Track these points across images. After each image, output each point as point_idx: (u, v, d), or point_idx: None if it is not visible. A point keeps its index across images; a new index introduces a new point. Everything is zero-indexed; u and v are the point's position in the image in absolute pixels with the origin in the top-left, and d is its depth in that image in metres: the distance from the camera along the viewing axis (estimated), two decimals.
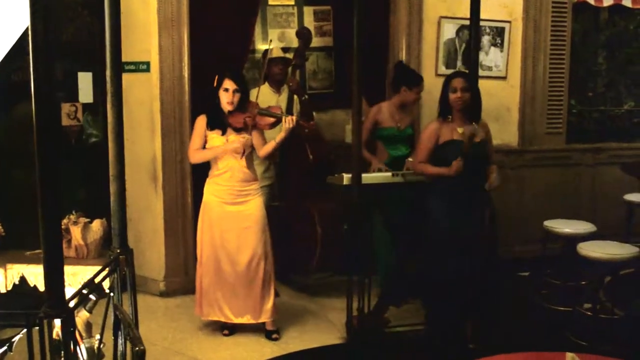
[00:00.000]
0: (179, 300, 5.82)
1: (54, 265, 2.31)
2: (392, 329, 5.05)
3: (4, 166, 5.70)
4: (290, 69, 6.04)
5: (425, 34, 6.54)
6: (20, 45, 3.36)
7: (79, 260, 3.84)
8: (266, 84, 5.97)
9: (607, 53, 7.62)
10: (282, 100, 6.01)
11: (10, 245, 4.06)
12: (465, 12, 5.57)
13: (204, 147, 4.88)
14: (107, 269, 3.11)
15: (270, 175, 5.98)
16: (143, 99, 5.78)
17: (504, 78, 6.89)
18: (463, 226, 4.64)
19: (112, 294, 3.15)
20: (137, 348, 2.34)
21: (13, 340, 2.67)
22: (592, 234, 5.51)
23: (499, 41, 6.81)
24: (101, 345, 3.34)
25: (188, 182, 5.86)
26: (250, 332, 5.08)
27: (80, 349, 3.23)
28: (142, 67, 5.77)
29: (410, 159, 5.33)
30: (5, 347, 2.67)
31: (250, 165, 4.90)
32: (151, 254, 5.89)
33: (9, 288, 3.75)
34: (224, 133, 4.83)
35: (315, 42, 6.96)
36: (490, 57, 6.81)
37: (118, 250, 3.23)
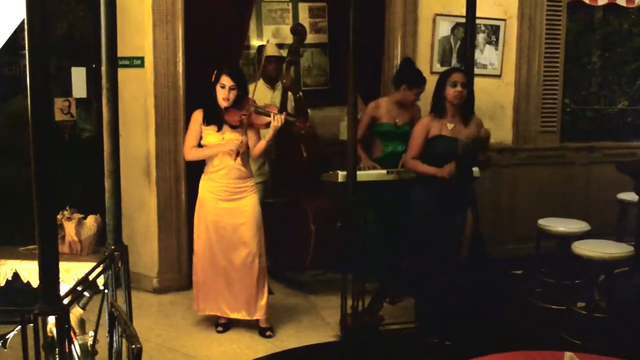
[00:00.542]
0: (173, 296, 5.81)
1: (49, 261, 2.29)
2: (386, 327, 5.04)
3: None
4: (284, 65, 6.03)
5: (420, 32, 6.53)
6: (12, 40, 3.32)
7: (73, 256, 3.81)
8: (261, 80, 5.96)
9: (602, 52, 7.64)
10: (276, 96, 6.01)
11: (3, 241, 4.03)
12: (461, 9, 5.56)
13: (199, 143, 4.86)
14: (102, 265, 3.09)
15: (264, 172, 5.97)
16: (137, 95, 5.75)
17: (498, 76, 6.90)
18: (447, 223, 4.66)
19: (106, 291, 3.13)
20: (133, 346, 2.32)
21: (7, 337, 2.65)
22: (586, 232, 5.53)
23: (494, 39, 6.81)
24: (95, 342, 3.31)
25: (182, 178, 5.84)
26: (244, 329, 5.07)
27: (74, 346, 3.21)
28: (136, 62, 5.74)
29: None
30: None
31: (245, 162, 4.88)
32: (144, 250, 5.87)
33: (2, 284, 3.72)
34: (219, 129, 4.81)
35: (310, 38, 6.95)
36: (485, 55, 6.81)
37: (113, 247, 3.21)
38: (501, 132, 6.96)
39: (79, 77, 6.01)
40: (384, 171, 5.20)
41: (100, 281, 3.15)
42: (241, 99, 4.81)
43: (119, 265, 3.22)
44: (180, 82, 5.75)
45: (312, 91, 6.92)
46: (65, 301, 2.49)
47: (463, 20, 5.38)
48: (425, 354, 4.76)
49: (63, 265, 3.51)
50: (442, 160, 4.62)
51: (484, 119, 6.61)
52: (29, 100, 2.20)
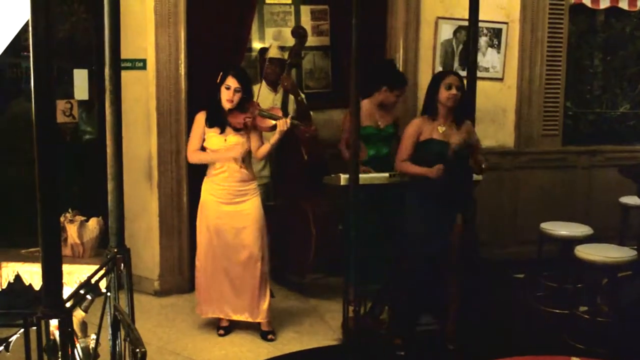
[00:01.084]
0: (174, 299, 5.80)
1: (52, 265, 2.28)
2: (388, 331, 5.02)
3: None
4: (285, 68, 6.01)
5: (422, 35, 6.53)
6: (14, 42, 3.31)
7: (75, 259, 3.81)
8: (263, 82, 5.95)
9: (604, 55, 7.62)
10: (277, 99, 5.99)
11: (5, 243, 4.03)
12: (463, 13, 5.57)
13: (202, 146, 4.85)
14: (104, 268, 3.08)
15: (266, 174, 5.95)
16: (139, 97, 5.74)
17: (500, 79, 6.89)
18: (437, 227, 4.64)
19: (109, 294, 3.12)
20: (137, 350, 2.31)
21: (10, 340, 2.64)
22: (589, 236, 5.51)
23: (496, 42, 6.80)
24: (97, 345, 3.30)
25: (183, 180, 5.83)
26: (246, 333, 5.06)
27: (76, 349, 3.20)
28: (138, 64, 5.73)
29: None
30: (1, 347, 2.64)
31: (248, 165, 4.87)
32: (146, 252, 5.85)
33: (4, 287, 3.71)
34: (222, 131, 4.80)
35: (312, 41, 6.94)
36: (487, 59, 6.80)
37: (115, 250, 3.20)
38: (503, 135, 6.95)
39: (81, 79, 6.01)
40: (386, 174, 5.18)
41: (103, 284, 3.14)
42: (245, 101, 4.80)
43: (122, 268, 3.21)
44: (183, 85, 5.74)
45: (315, 94, 6.90)
46: (68, 304, 2.48)
47: (465, 23, 5.38)
48: (426, 357, 4.75)
49: (65, 268, 3.50)
50: (433, 163, 4.57)
51: (485, 122, 6.66)
52: (33, 103, 2.19)
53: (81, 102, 6.03)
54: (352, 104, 4.69)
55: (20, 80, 5.87)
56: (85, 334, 3.60)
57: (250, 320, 4.97)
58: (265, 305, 4.94)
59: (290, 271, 6.09)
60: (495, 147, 6.85)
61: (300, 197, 5.85)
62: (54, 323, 2.33)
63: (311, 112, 5.99)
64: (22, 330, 2.56)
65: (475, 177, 4.99)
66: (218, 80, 4.78)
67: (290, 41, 6.14)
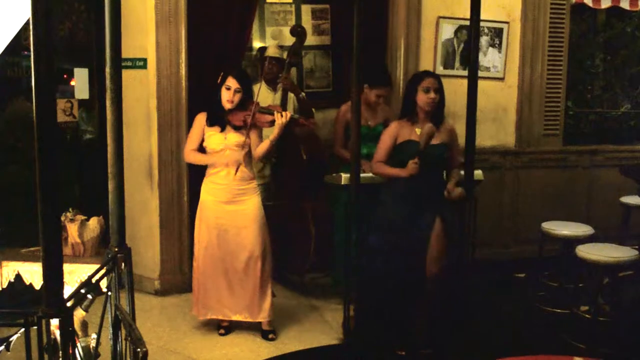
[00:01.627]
0: (175, 298, 5.79)
1: (53, 264, 2.27)
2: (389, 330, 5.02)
3: None
4: (285, 67, 6.01)
5: (423, 34, 6.53)
6: (14, 41, 3.31)
7: (76, 258, 3.80)
8: (262, 82, 5.95)
9: (605, 55, 7.63)
10: (277, 98, 5.99)
11: (5, 242, 4.02)
12: (464, 12, 5.56)
13: (201, 144, 4.86)
14: (105, 267, 3.07)
15: (265, 174, 5.95)
16: (139, 96, 5.73)
17: (501, 79, 6.88)
18: (412, 227, 4.59)
19: (109, 293, 3.11)
20: (139, 349, 2.31)
21: (10, 339, 2.63)
22: (590, 236, 5.51)
23: (497, 42, 6.79)
24: (98, 345, 3.29)
25: (184, 179, 5.82)
26: (247, 332, 5.05)
27: (77, 349, 3.20)
28: (138, 63, 5.72)
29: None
30: (2, 347, 2.63)
31: (247, 163, 4.86)
32: (146, 252, 5.85)
33: (4, 286, 3.70)
34: (222, 130, 4.80)
35: (313, 40, 6.93)
36: (488, 58, 6.80)
37: (116, 249, 3.19)
38: (504, 135, 6.95)
39: (81, 78, 6.00)
40: None
41: (104, 283, 3.13)
42: (245, 101, 4.80)
43: (122, 267, 3.20)
44: (183, 84, 5.74)
45: (315, 93, 6.89)
46: (69, 304, 2.48)
47: (466, 22, 5.38)
48: (426, 356, 4.74)
49: (66, 267, 3.50)
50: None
51: (486, 122, 6.66)
52: (34, 102, 2.18)
53: (82, 101, 6.02)
54: (353, 103, 4.69)
55: (21, 79, 5.87)
56: (85, 334, 3.60)
57: (249, 320, 4.96)
58: (267, 304, 4.93)
59: (290, 270, 6.08)
60: (496, 146, 6.85)
61: (300, 196, 5.84)
62: (54, 322, 2.33)
63: (313, 110, 5.99)
64: (22, 329, 2.55)
65: (476, 175, 4.98)
66: (219, 81, 4.78)
67: (291, 40, 6.14)
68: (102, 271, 2.99)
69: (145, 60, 5.69)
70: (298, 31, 6.02)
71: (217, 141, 4.79)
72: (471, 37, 5.11)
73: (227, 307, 4.94)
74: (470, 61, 5.11)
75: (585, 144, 7.40)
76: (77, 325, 3.49)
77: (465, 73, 5.21)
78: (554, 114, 7.14)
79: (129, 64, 5.70)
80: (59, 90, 5.91)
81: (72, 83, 5.98)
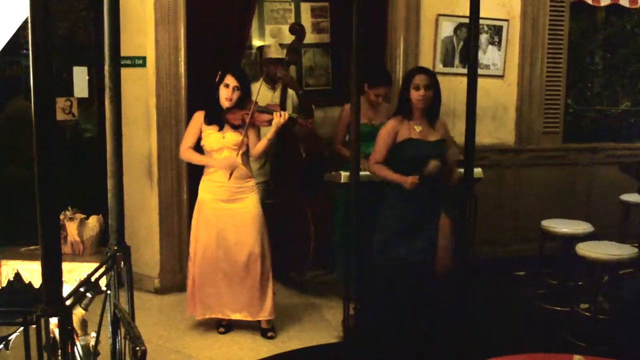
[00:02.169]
0: (174, 297, 5.79)
1: (52, 263, 2.27)
2: (389, 328, 5.01)
3: None
4: (284, 65, 6.01)
5: (423, 32, 6.52)
6: (13, 40, 3.30)
7: (75, 256, 3.80)
8: (261, 80, 5.94)
9: (604, 53, 7.62)
10: (276, 97, 5.99)
11: (4, 241, 4.02)
12: (464, 10, 5.55)
13: (199, 143, 4.85)
14: (104, 266, 3.07)
15: (265, 172, 5.95)
16: (139, 95, 5.73)
17: (501, 77, 6.88)
18: (418, 225, 4.63)
19: (109, 292, 3.11)
20: (137, 348, 2.30)
21: (9, 338, 2.63)
22: (589, 234, 5.50)
23: (497, 40, 6.79)
24: (97, 343, 3.29)
25: (184, 178, 5.82)
26: (246, 330, 5.05)
27: (76, 347, 3.19)
28: (138, 62, 5.72)
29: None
30: (1, 346, 2.63)
31: (245, 162, 4.85)
32: (146, 250, 5.85)
33: (4, 285, 3.70)
34: (221, 129, 4.79)
35: (312, 38, 6.93)
36: (488, 56, 6.79)
37: (115, 248, 3.19)
38: (504, 132, 6.94)
39: (80, 76, 6.00)
40: None
41: (103, 282, 3.13)
42: (243, 100, 4.79)
43: (122, 266, 3.20)
44: (182, 82, 5.73)
45: (315, 91, 6.89)
46: (68, 302, 2.47)
47: (466, 20, 5.36)
48: (427, 355, 4.74)
49: (65, 266, 3.51)
50: (412, 163, 4.55)
51: (486, 119, 6.66)
52: (32, 101, 2.18)
53: (81, 100, 6.02)
54: (353, 102, 4.68)
55: (20, 78, 5.86)
56: (85, 332, 3.60)
57: (249, 319, 4.96)
58: (267, 303, 4.92)
59: (290, 269, 6.08)
60: (495, 144, 6.85)
61: (299, 194, 5.84)
62: (54, 321, 2.32)
63: (313, 107, 5.99)
64: (21, 328, 2.55)
65: (476, 173, 4.98)
66: (217, 79, 4.77)
67: (289, 38, 6.14)
68: (101, 270, 2.99)
69: (144, 58, 5.69)
70: (297, 29, 6.02)
71: (215, 140, 4.78)
72: (471, 35, 5.12)
73: (227, 306, 4.93)
74: (470, 59, 5.11)
75: (585, 142, 7.39)
76: (76, 324, 3.49)
77: (465, 71, 5.20)
78: (554, 111, 7.13)
79: (128, 62, 5.69)
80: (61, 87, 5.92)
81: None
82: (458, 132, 5.27)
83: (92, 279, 2.84)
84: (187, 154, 4.92)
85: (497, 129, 6.87)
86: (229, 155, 4.77)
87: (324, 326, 5.20)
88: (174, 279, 5.91)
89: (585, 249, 4.94)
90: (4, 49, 3.30)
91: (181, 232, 5.88)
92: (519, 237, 6.84)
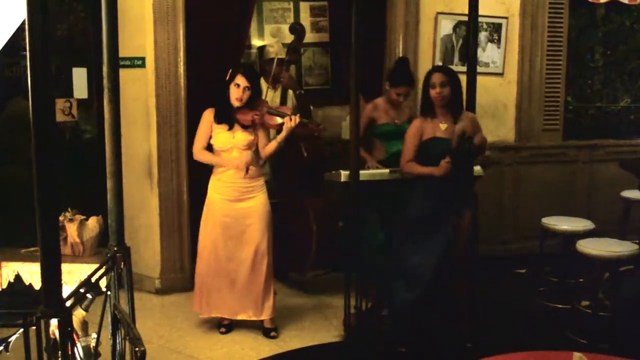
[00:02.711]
0: (175, 297, 5.79)
1: (51, 264, 2.27)
2: (390, 327, 5.01)
3: None
4: (284, 64, 6.01)
5: (422, 30, 6.51)
6: (12, 41, 3.30)
7: (75, 258, 3.80)
8: (262, 80, 5.94)
9: (604, 49, 7.61)
10: (277, 96, 5.99)
11: (5, 242, 4.02)
12: (463, 8, 5.53)
13: (209, 143, 4.85)
14: (104, 267, 3.07)
15: (265, 171, 5.94)
16: (138, 95, 5.73)
17: (500, 74, 6.87)
18: (442, 220, 4.63)
19: (109, 293, 3.11)
20: (137, 349, 2.30)
21: (9, 340, 2.63)
22: (590, 231, 5.50)
23: (496, 37, 6.78)
24: (98, 344, 3.29)
25: (184, 178, 5.82)
26: (248, 330, 5.05)
27: (76, 348, 3.20)
28: (137, 62, 5.72)
29: None
30: (1, 347, 2.63)
31: (255, 161, 4.85)
32: (146, 251, 5.85)
33: (4, 286, 3.70)
34: (230, 128, 4.79)
35: (312, 37, 6.93)
36: (487, 54, 6.79)
37: (115, 248, 3.19)
38: (503, 130, 6.94)
39: (80, 77, 5.99)
40: (387, 170, 5.17)
41: (103, 283, 3.13)
42: (254, 99, 4.79)
43: (122, 266, 3.20)
44: (182, 82, 5.73)
45: (314, 90, 6.89)
46: (68, 303, 2.47)
47: (465, 18, 5.36)
48: (428, 354, 4.74)
49: (65, 267, 3.51)
50: (439, 161, 4.59)
51: (486, 117, 6.64)
52: (31, 101, 2.18)
53: (80, 101, 6.02)
54: (352, 101, 4.68)
55: (19, 79, 5.86)
56: (86, 333, 3.59)
57: (254, 318, 4.96)
58: (270, 301, 4.93)
59: (291, 268, 6.08)
60: (495, 142, 6.84)
61: (300, 194, 5.84)
62: (54, 322, 2.33)
63: (312, 107, 5.99)
64: (21, 330, 2.55)
65: (476, 172, 4.98)
66: (227, 78, 4.77)
67: (289, 38, 6.14)
68: (101, 270, 2.99)
69: (143, 59, 5.69)
70: (297, 29, 6.02)
71: (225, 140, 4.78)
72: (470, 32, 5.12)
73: (232, 306, 4.93)
74: (469, 57, 5.12)
75: (585, 139, 7.38)
76: (77, 325, 3.49)
77: (465, 69, 5.20)
78: (554, 108, 7.13)
79: (128, 63, 5.69)
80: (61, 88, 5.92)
81: None
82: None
83: (92, 280, 2.84)
84: (201, 155, 4.90)
85: (497, 126, 6.86)
86: (240, 155, 4.76)
87: (325, 325, 5.20)
88: (174, 279, 5.91)
89: (586, 246, 4.94)
90: (3, 50, 3.30)
91: (182, 232, 5.88)
92: (520, 234, 6.84)
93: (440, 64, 6.52)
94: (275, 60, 5.96)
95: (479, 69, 5.58)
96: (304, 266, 5.92)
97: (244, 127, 4.78)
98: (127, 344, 2.89)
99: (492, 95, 6.75)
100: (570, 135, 7.33)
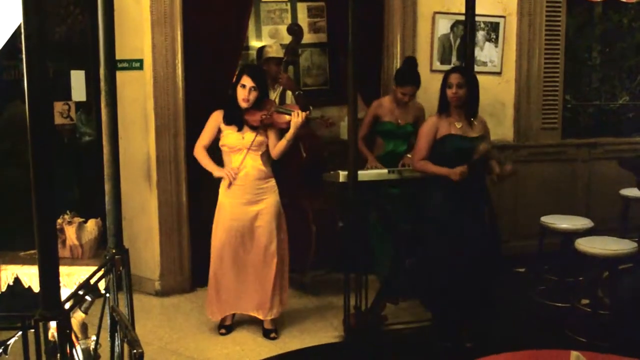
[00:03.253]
0: (175, 299, 5.79)
1: (49, 266, 2.28)
2: (390, 327, 5.02)
3: None
4: (282, 65, 6.02)
5: (419, 30, 6.52)
6: (10, 44, 3.31)
7: (74, 260, 3.80)
8: None
9: (602, 47, 7.61)
10: (276, 96, 5.99)
11: (4, 245, 4.02)
12: (460, 7, 5.55)
13: (218, 143, 4.86)
14: (103, 269, 3.07)
15: None
16: (136, 97, 5.73)
17: (498, 73, 6.88)
18: (462, 224, 4.63)
19: (107, 295, 3.11)
20: (135, 351, 2.31)
21: (8, 343, 2.63)
22: (589, 229, 5.51)
23: (494, 36, 6.79)
24: (97, 347, 3.30)
25: (183, 180, 5.82)
26: (248, 331, 5.06)
27: (76, 351, 3.20)
28: (135, 65, 5.72)
29: (409, 155, 5.33)
30: (0, 350, 2.63)
31: (265, 162, 4.86)
32: (146, 253, 5.85)
33: (3, 289, 3.70)
34: (239, 129, 4.79)
35: (309, 38, 6.93)
36: (485, 53, 6.79)
37: (113, 251, 3.20)
38: (502, 129, 6.94)
39: (78, 80, 6.00)
40: (385, 170, 5.18)
41: (102, 285, 3.13)
42: (262, 100, 4.79)
43: (120, 268, 3.20)
44: (180, 84, 5.73)
45: (312, 91, 6.89)
46: (67, 306, 2.48)
47: (462, 17, 5.36)
48: (429, 354, 4.74)
49: (64, 270, 3.52)
50: (453, 159, 4.60)
51: (484, 116, 6.59)
52: (27, 104, 2.18)
53: (79, 104, 6.02)
54: (350, 101, 4.69)
55: (18, 82, 5.86)
56: (85, 336, 3.60)
57: (261, 317, 4.97)
58: (277, 303, 4.97)
59: (291, 269, 6.06)
60: (494, 141, 6.81)
61: (299, 194, 5.84)
62: (54, 325, 2.33)
63: (311, 107, 5.98)
64: (20, 332, 2.55)
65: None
66: (234, 79, 4.77)
67: (287, 39, 6.14)
68: (100, 273, 2.99)
69: (141, 61, 5.69)
70: (295, 30, 6.03)
71: (234, 141, 4.78)
72: (467, 32, 5.13)
73: (243, 303, 4.95)
74: (466, 56, 5.13)
75: (583, 137, 7.39)
76: (77, 327, 3.49)
77: None
78: (552, 107, 7.13)
79: (125, 65, 5.70)
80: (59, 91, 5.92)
81: None
82: None
83: (91, 282, 2.84)
84: (199, 153, 4.91)
85: (495, 125, 6.85)
86: (230, 168, 4.77)
87: (325, 326, 5.21)
88: (174, 281, 5.91)
89: (585, 245, 4.94)
90: (1, 53, 3.31)
91: (181, 234, 5.88)
92: (519, 233, 6.82)
93: (438, 63, 6.53)
94: (274, 59, 5.98)
95: (477, 68, 5.59)
96: (304, 266, 5.91)
97: (253, 128, 4.78)
98: (126, 346, 2.90)
99: (490, 95, 6.74)
100: (569, 133, 7.33)
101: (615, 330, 4.81)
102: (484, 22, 6.69)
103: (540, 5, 6.89)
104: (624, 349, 3.66)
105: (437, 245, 4.71)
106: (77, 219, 3.87)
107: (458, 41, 6.62)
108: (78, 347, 3.35)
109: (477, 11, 5.17)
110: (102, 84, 3.10)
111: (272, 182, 4.95)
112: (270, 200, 4.90)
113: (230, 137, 4.80)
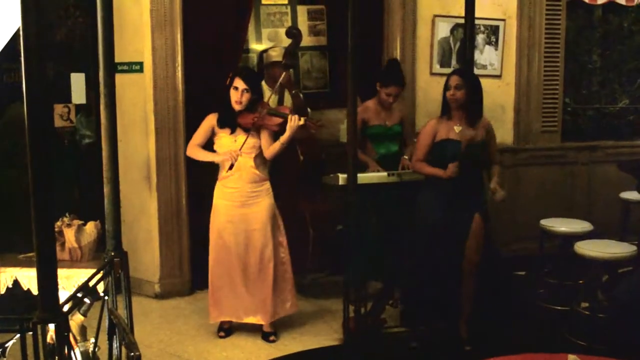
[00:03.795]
0: (174, 302, 5.79)
1: (48, 269, 2.28)
2: (389, 330, 5.02)
3: None
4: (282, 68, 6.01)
5: (419, 33, 6.52)
6: (11, 47, 3.31)
7: (73, 263, 3.79)
8: (263, 82, 5.94)
9: (602, 51, 7.61)
10: (271, 95, 5.98)
11: (3, 248, 4.02)
12: (460, 10, 5.55)
13: (213, 148, 4.86)
14: (102, 272, 3.07)
15: None
16: (136, 100, 5.73)
17: (498, 76, 6.88)
18: (452, 224, 4.65)
19: (106, 298, 3.11)
20: (132, 354, 2.31)
21: (6, 345, 2.63)
22: (589, 232, 5.50)
23: (494, 39, 6.79)
24: (96, 349, 3.29)
25: (183, 182, 5.82)
26: (247, 334, 5.05)
27: (74, 353, 3.20)
28: (135, 67, 5.73)
29: (405, 157, 5.32)
30: None
31: (259, 165, 4.86)
32: (146, 255, 5.85)
33: (2, 292, 3.70)
34: (232, 132, 4.80)
35: (309, 41, 6.94)
36: (485, 56, 6.79)
37: (112, 253, 3.20)
38: (502, 132, 6.92)
39: (78, 83, 6.00)
40: (385, 173, 5.18)
41: (101, 288, 3.13)
42: (255, 102, 4.80)
43: (119, 271, 3.20)
44: (180, 87, 5.73)
45: (312, 94, 6.90)
46: (65, 308, 2.48)
47: (462, 21, 5.37)
48: (428, 356, 4.74)
49: (63, 272, 3.51)
50: (448, 163, 4.61)
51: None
52: (25, 107, 2.19)
53: (79, 106, 6.02)
54: (350, 104, 4.69)
55: (18, 84, 5.86)
56: (84, 338, 3.59)
57: (261, 322, 4.97)
58: (278, 306, 4.97)
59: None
60: None
61: (297, 197, 5.84)
62: (53, 327, 2.33)
63: (309, 109, 5.99)
64: (18, 335, 2.55)
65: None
66: (227, 82, 4.78)
67: (286, 42, 6.14)
68: (99, 275, 2.99)
69: (141, 64, 5.69)
70: (294, 33, 6.01)
71: (227, 144, 4.78)
72: (467, 35, 5.13)
73: (241, 309, 4.94)
74: (466, 59, 5.13)
75: (583, 140, 7.39)
76: (75, 330, 3.49)
77: None
78: (552, 110, 7.13)
79: (125, 67, 5.70)
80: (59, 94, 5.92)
81: None
82: None
83: (90, 284, 2.84)
84: (192, 150, 4.91)
85: (495, 128, 6.74)
86: (230, 149, 4.75)
87: (324, 329, 5.20)
88: (174, 283, 5.91)
89: (585, 248, 4.94)
90: (1, 56, 3.31)
91: (181, 236, 5.88)
92: (519, 236, 6.82)
93: (437, 66, 6.54)
94: (278, 63, 5.98)
95: (477, 72, 5.59)
96: (302, 270, 5.91)
97: (246, 131, 4.78)
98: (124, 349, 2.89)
99: (490, 98, 6.72)
100: (568, 136, 7.34)
101: (614, 334, 4.80)
102: (484, 25, 6.70)
103: (540, 8, 6.90)
104: (623, 352, 3.66)
105: (427, 245, 4.72)
106: (77, 222, 3.87)
107: (458, 44, 6.62)
108: (77, 350, 3.35)
109: (477, 14, 5.17)
110: (102, 86, 3.11)
111: (267, 185, 4.94)
112: (264, 203, 4.90)
113: (224, 139, 4.80)
